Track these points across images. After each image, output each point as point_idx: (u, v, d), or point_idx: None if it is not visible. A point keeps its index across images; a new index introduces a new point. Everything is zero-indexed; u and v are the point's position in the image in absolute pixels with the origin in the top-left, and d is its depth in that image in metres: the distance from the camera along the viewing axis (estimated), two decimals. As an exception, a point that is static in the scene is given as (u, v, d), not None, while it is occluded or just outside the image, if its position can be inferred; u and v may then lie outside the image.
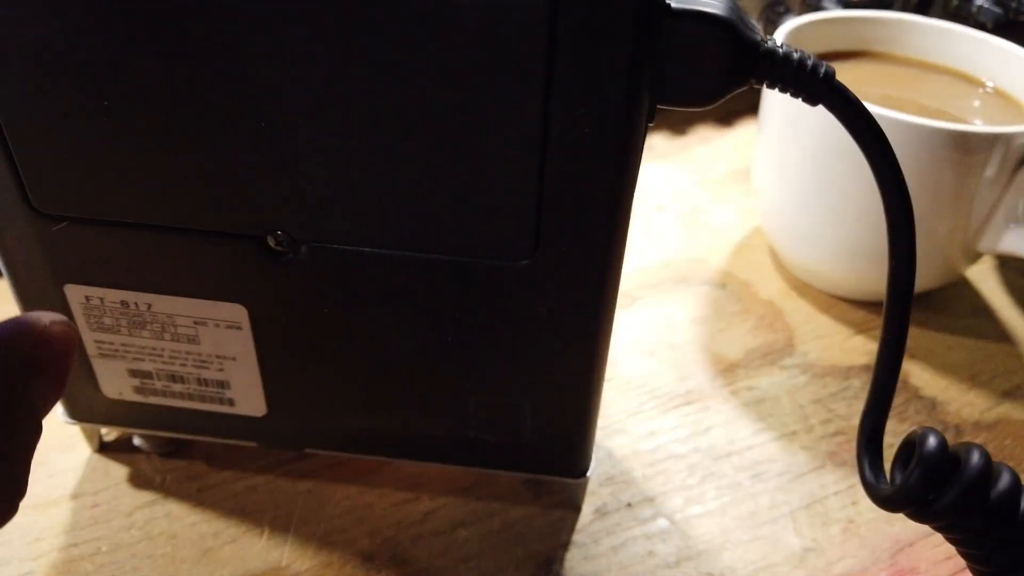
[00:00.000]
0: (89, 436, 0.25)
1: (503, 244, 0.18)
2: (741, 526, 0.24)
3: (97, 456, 0.25)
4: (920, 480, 0.17)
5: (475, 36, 0.15)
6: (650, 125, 0.17)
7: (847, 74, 0.33)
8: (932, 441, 0.18)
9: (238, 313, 0.20)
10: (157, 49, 0.16)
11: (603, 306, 0.19)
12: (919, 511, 0.18)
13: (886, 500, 0.18)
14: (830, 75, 0.16)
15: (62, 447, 0.25)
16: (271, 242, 0.19)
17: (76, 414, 0.24)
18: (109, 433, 0.26)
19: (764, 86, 0.17)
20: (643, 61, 0.15)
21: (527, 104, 0.16)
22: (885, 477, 0.19)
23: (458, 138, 0.16)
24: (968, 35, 0.33)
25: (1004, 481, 0.18)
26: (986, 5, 0.49)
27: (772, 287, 0.34)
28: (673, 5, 0.15)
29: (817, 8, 0.45)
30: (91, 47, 0.16)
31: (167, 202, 0.18)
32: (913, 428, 0.26)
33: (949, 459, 0.18)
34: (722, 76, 0.16)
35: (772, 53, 0.16)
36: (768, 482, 0.26)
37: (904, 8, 0.48)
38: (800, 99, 0.17)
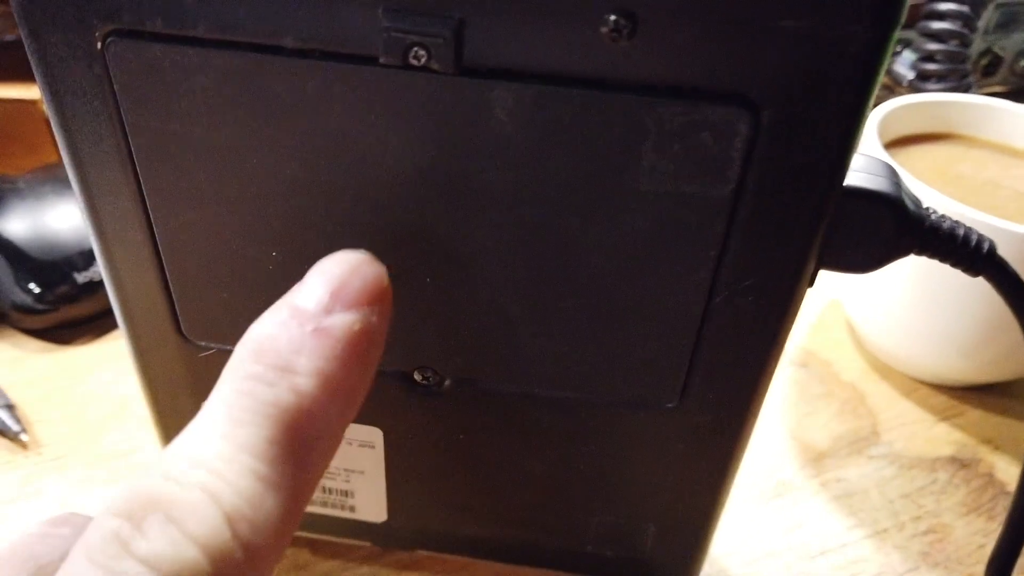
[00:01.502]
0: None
1: (651, 393, 0.18)
2: (841, 632, 0.25)
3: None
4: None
5: (656, 214, 0.15)
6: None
7: (946, 159, 0.33)
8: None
9: (374, 435, 0.21)
10: (329, 210, 0.16)
11: (738, 444, 0.19)
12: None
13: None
14: (993, 251, 0.16)
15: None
16: (417, 376, 0.19)
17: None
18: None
19: (927, 256, 0.17)
20: (814, 239, 0.16)
21: (697, 275, 0.16)
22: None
23: (625, 300, 0.17)
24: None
25: None
26: (1054, 66, 0.49)
27: (854, 368, 0.34)
28: (846, 183, 0.15)
29: (888, 71, 0.45)
30: (270, 199, 0.16)
31: (320, 339, 0.19)
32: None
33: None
34: (886, 248, 0.16)
35: (937, 228, 0.16)
36: (865, 585, 0.26)
37: (974, 71, 0.48)
38: (960, 270, 0.17)
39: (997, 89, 0.50)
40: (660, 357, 0.18)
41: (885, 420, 0.32)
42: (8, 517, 0.26)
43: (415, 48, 0.14)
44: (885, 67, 0.14)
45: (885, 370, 0.34)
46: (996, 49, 0.48)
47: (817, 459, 0.30)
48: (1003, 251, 0.24)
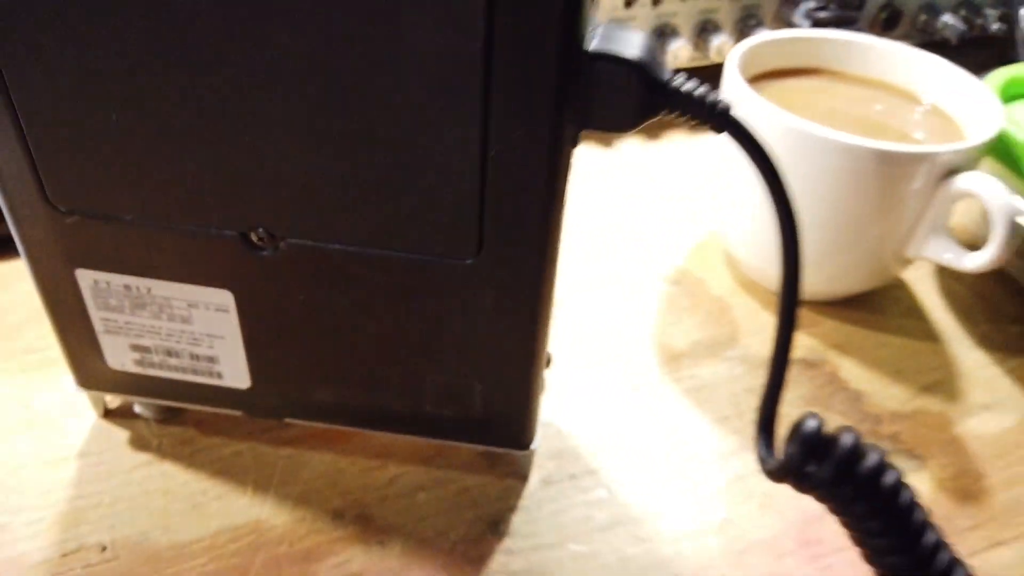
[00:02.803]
0: (95, 403, 0.28)
1: (452, 245, 0.21)
2: (671, 498, 0.27)
3: (102, 421, 0.29)
4: (798, 455, 0.20)
5: (421, 70, 0.18)
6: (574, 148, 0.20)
7: (802, 89, 0.36)
8: (810, 423, 0.21)
9: (225, 298, 0.23)
10: (162, 75, 0.19)
11: (540, 300, 0.22)
12: (799, 482, 0.21)
13: (771, 471, 0.21)
14: (727, 109, 0.19)
15: (72, 412, 0.29)
16: (254, 237, 0.22)
17: (84, 383, 0.27)
18: (112, 400, 0.29)
19: (675, 116, 0.19)
20: (565, 95, 0.18)
21: (468, 130, 0.19)
22: (776, 454, 0.22)
23: (410, 154, 0.19)
24: (908, 53, 0.36)
25: (872, 459, 0.21)
26: (951, 21, 0.51)
27: (723, 285, 0.37)
28: (591, 48, 0.18)
29: (788, 23, 0.48)
30: (107, 70, 0.19)
31: (165, 202, 0.21)
32: (838, 418, 0.29)
33: (825, 439, 0.21)
34: (636, 108, 0.19)
35: (678, 91, 0.19)
36: (697, 461, 0.29)
37: (872, 24, 0.51)
38: (708, 128, 0.19)
39: (900, 42, 0.53)
40: (452, 211, 0.20)
41: (745, 328, 0.34)
42: (-78, 400, 0.29)
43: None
44: None
45: (752, 286, 0.36)
46: (896, 3, 0.51)
47: (674, 359, 0.33)
48: (836, 163, 0.27)
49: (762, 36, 0.36)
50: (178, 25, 0.18)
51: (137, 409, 0.28)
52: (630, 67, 0.18)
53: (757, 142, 0.19)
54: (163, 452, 0.28)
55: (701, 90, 0.19)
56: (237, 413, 0.27)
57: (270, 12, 0.17)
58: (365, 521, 0.26)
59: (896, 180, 0.30)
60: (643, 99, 0.19)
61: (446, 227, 0.20)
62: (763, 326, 0.35)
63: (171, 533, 0.25)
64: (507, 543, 0.26)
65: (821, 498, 0.21)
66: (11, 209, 0.22)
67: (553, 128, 0.19)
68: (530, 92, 0.18)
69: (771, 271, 0.35)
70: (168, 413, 0.29)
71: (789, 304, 0.21)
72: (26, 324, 0.32)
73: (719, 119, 0.19)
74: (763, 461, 0.21)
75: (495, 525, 0.26)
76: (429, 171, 0.19)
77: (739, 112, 0.19)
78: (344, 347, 0.24)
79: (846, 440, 0.20)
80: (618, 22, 0.19)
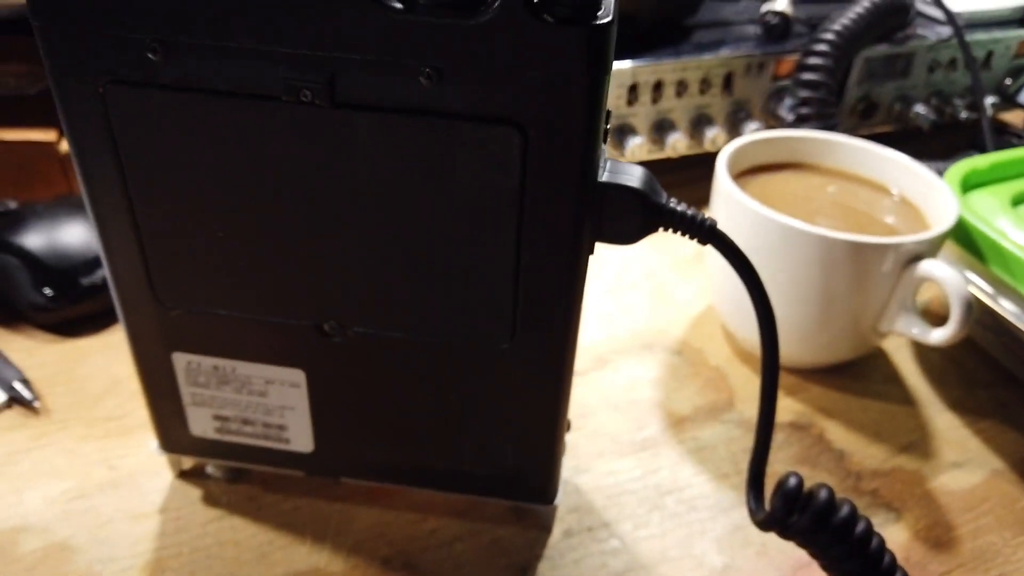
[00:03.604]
0: (173, 465, 0.33)
1: (490, 334, 0.25)
2: (677, 546, 0.31)
3: (177, 481, 0.33)
4: (782, 508, 0.25)
5: (471, 202, 0.23)
6: (591, 255, 0.24)
7: (787, 182, 0.41)
8: (792, 480, 0.25)
9: (298, 376, 0.28)
10: (259, 199, 0.24)
11: (563, 376, 0.26)
12: (783, 530, 0.25)
13: (760, 522, 0.25)
14: (713, 226, 0.24)
15: (151, 473, 0.33)
16: (326, 327, 0.26)
17: (167, 446, 0.31)
18: (187, 463, 0.33)
19: (671, 231, 0.24)
20: (583, 216, 0.23)
21: (506, 244, 0.23)
22: (764, 507, 0.26)
23: (457, 263, 0.24)
24: (878, 151, 0.41)
25: (845, 510, 0.25)
26: (923, 111, 0.57)
27: (721, 355, 0.41)
28: (602, 179, 0.23)
29: (775, 116, 0.53)
30: (214, 193, 0.24)
31: (255, 299, 0.26)
32: (824, 475, 0.33)
33: (805, 494, 0.25)
34: (639, 226, 0.24)
35: (672, 211, 0.24)
36: (701, 513, 0.33)
37: (851, 114, 0.56)
38: (695, 240, 0.24)
39: (879, 130, 0.58)
40: (491, 307, 0.25)
41: (741, 395, 0.39)
42: (21, 462, 0.33)
43: (304, 90, 0.21)
44: (605, 100, 0.21)
45: (746, 356, 0.41)
46: (872, 96, 0.56)
47: (678, 423, 0.37)
48: (814, 253, 0.31)
49: (748, 137, 0.41)
50: (278, 163, 0.23)
51: (209, 470, 0.33)
52: (634, 194, 0.23)
53: (739, 252, 0.24)
54: (232, 508, 0.32)
55: (691, 212, 0.24)
56: (299, 473, 0.31)
57: (351, 154, 0.22)
58: (411, 569, 0.30)
59: (867, 266, 0.35)
60: (644, 218, 0.24)
61: (486, 319, 0.25)
62: (757, 393, 0.39)
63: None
64: (534, 587, 0.30)
65: (803, 544, 0.25)
66: (122, 303, 0.27)
67: (573, 242, 0.23)
68: (556, 215, 0.23)
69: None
70: (236, 473, 0.33)
71: (770, 384, 0.25)
72: (105, 395, 0.37)
73: (706, 234, 0.24)
74: (753, 513, 0.26)
75: (524, 572, 0.30)
76: (473, 277, 0.24)
77: (725, 215, 0.24)
78: (396, 417, 0.29)
79: (822, 495, 0.24)
80: (619, 160, 0.24)
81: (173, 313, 0.27)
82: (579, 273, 0.24)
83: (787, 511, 0.25)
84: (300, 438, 0.30)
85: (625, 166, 0.24)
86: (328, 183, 0.23)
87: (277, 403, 0.29)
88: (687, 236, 0.24)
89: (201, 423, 0.30)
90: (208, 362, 0.28)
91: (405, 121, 0.21)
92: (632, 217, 0.23)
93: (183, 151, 0.23)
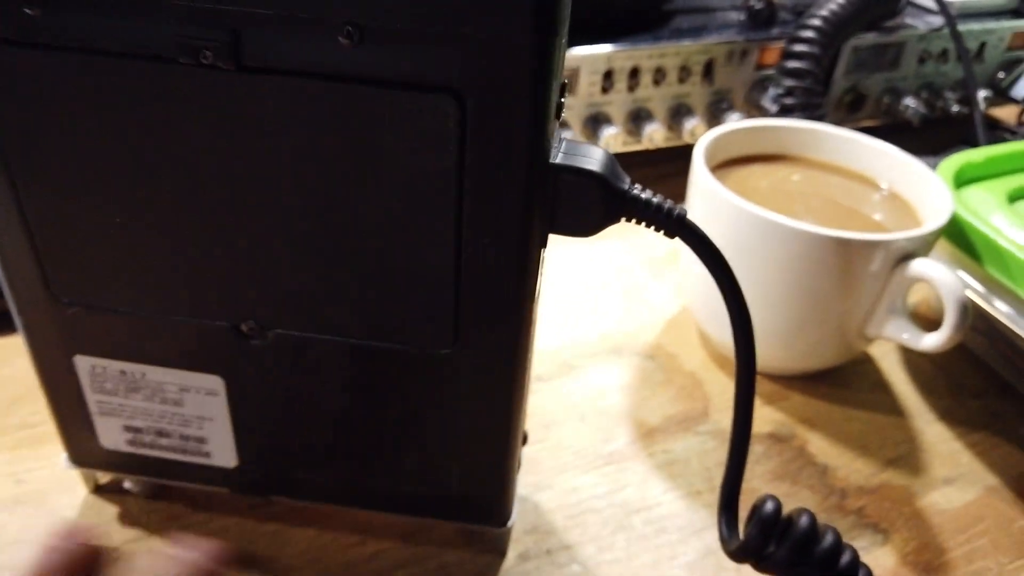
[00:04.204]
0: (86, 479, 0.29)
1: (429, 337, 0.22)
2: (643, 572, 0.28)
3: (93, 496, 0.29)
4: (757, 536, 0.22)
5: (399, 184, 0.19)
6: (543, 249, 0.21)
7: (768, 174, 0.38)
8: (769, 506, 0.22)
9: (216, 383, 0.25)
10: (162, 181, 0.20)
11: (514, 385, 0.23)
12: (759, 563, 0.22)
13: (733, 552, 0.22)
14: (682, 216, 0.21)
15: (63, 489, 0.30)
16: (244, 328, 0.23)
17: (77, 460, 0.28)
18: (103, 477, 0.30)
19: (634, 222, 0.21)
20: (532, 204, 0.20)
21: (444, 236, 0.20)
22: (738, 534, 0.23)
23: (390, 257, 0.21)
24: (866, 142, 0.38)
25: (828, 540, 0.22)
26: (913, 104, 0.54)
27: (696, 360, 0.38)
28: (555, 161, 0.20)
29: (757, 107, 0.50)
30: (110, 176, 0.20)
31: (162, 296, 0.23)
32: (806, 492, 0.30)
33: (783, 521, 0.22)
34: (597, 215, 0.21)
35: (636, 199, 0.21)
36: (671, 535, 0.30)
37: (837, 107, 0.53)
38: (662, 232, 0.21)
39: (866, 123, 0.56)
40: (430, 307, 0.22)
41: (717, 403, 0.36)
42: (-83, 476, 0.30)
43: (204, 51, 0.18)
44: (558, 69, 0.18)
45: (723, 361, 0.38)
46: (860, 88, 0.54)
47: (648, 434, 0.34)
48: (797, 249, 0.28)
49: (728, 126, 0.38)
50: (178, 137, 0.20)
51: (127, 486, 0.29)
52: (592, 178, 0.20)
53: (710, 245, 0.21)
54: (152, 528, 0.29)
55: (657, 199, 0.21)
56: (224, 490, 0.28)
57: (261, 127, 0.19)
58: (346, 598, 0.27)
59: (853, 265, 0.32)
60: (603, 207, 0.20)
61: (424, 321, 0.22)
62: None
63: (156, 610, 0.26)
64: (484, 619, 0.27)
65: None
66: (15, 298, 0.24)
67: (521, 233, 0.20)
68: (499, 202, 0.20)
69: (741, 347, 0.36)
70: (157, 489, 0.30)
71: (746, 392, 0.22)
72: (21, 400, 0.33)
73: (674, 225, 0.21)
74: (724, 541, 0.23)
75: (472, 601, 0.27)
76: (408, 272, 0.21)
77: (702, 209, 0.21)
78: (327, 429, 0.25)
79: (803, 522, 0.22)
80: (578, 140, 0.21)
81: (71, 311, 0.23)
82: (530, 268, 0.21)
83: (763, 540, 0.22)
84: (222, 452, 0.26)
85: (583, 147, 0.21)
86: (236, 162, 0.20)
87: (194, 413, 0.25)
88: (653, 228, 0.21)
89: (111, 435, 0.26)
90: (114, 366, 0.25)
91: (323, 88, 0.18)
92: (591, 205, 0.20)
93: (68, 122, 0.20)
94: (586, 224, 0.21)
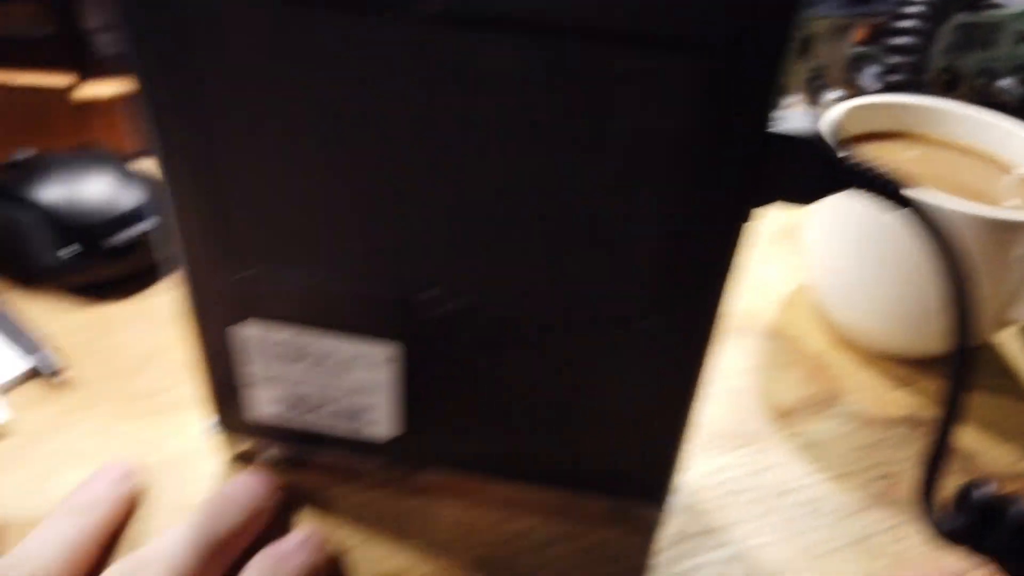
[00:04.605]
0: (227, 447, 0.29)
1: (623, 308, 0.21)
2: (800, 557, 0.28)
3: (232, 465, 0.29)
4: (975, 520, 0.21)
5: (626, 149, 0.18)
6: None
7: (892, 154, 0.37)
8: (985, 489, 0.21)
9: (387, 352, 0.24)
10: (359, 146, 0.19)
11: (701, 361, 0.23)
12: (976, 547, 0.21)
13: (948, 534, 0.21)
14: (907, 189, 0.20)
15: (199, 456, 0.29)
16: (426, 296, 0.22)
17: (228, 426, 0.27)
18: (243, 445, 0.29)
19: (854, 191, 0.20)
20: (758, 171, 0.19)
21: (659, 201, 0.19)
22: (944, 519, 0.22)
23: (597, 223, 0.20)
24: (998, 123, 0.37)
25: (1044, 524, 0.21)
26: (1008, 86, 0.53)
27: (818, 343, 0.37)
28: (775, 131, 0.19)
29: (853, 83, 0.49)
30: (307, 138, 0.19)
31: (344, 261, 0.22)
32: (955, 476, 0.29)
33: (998, 504, 0.21)
34: (818, 183, 0.20)
35: (858, 166, 0.20)
36: (822, 518, 0.29)
37: (935, 85, 0.52)
38: (891, 203, 0.20)
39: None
40: (630, 274, 0.21)
41: (845, 386, 0.35)
42: (50, 441, 0.29)
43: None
44: (795, 30, 0.17)
45: (846, 345, 0.37)
46: (956, 66, 0.52)
47: (783, 416, 0.33)
48: (963, 231, 0.27)
49: (859, 100, 0.37)
50: (386, 95, 0.19)
51: (268, 455, 0.29)
52: (812, 146, 0.19)
53: (934, 221, 0.20)
54: (290, 499, 0.28)
55: (878, 168, 0.20)
56: (374, 462, 0.27)
57: (475, 84, 0.18)
58: (507, 571, 0.26)
59: (1004, 246, 0.31)
60: (823, 176, 0.20)
61: (619, 292, 0.21)
62: (863, 384, 0.35)
63: (313, 584, 0.25)
64: (646, 600, 0.26)
65: (992, 560, 0.21)
66: (190, 261, 0.23)
67: (741, 201, 0.19)
68: (725, 169, 0.19)
69: (870, 329, 0.36)
70: (297, 460, 0.29)
71: (960, 370, 0.21)
72: (140, 368, 0.33)
73: (899, 197, 0.20)
74: (938, 524, 0.22)
75: (633, 581, 0.26)
76: (612, 238, 0.20)
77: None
78: (497, 400, 0.24)
79: (1021, 506, 0.21)
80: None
81: (248, 275, 0.23)
82: (737, 241, 0.20)
83: (981, 524, 0.21)
84: (380, 422, 0.26)
85: (794, 116, 0.20)
86: (444, 122, 0.19)
87: (359, 382, 0.25)
88: (880, 196, 0.20)
89: (268, 402, 0.26)
90: (283, 333, 0.24)
91: (553, 43, 0.17)
92: (812, 173, 0.19)
93: (273, 77, 0.19)
94: (807, 192, 0.20)
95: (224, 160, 0.20)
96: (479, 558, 0.27)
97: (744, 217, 0.19)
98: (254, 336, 0.24)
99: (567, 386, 0.24)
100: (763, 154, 0.18)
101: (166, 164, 0.21)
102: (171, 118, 0.20)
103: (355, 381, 0.25)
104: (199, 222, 0.22)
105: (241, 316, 0.24)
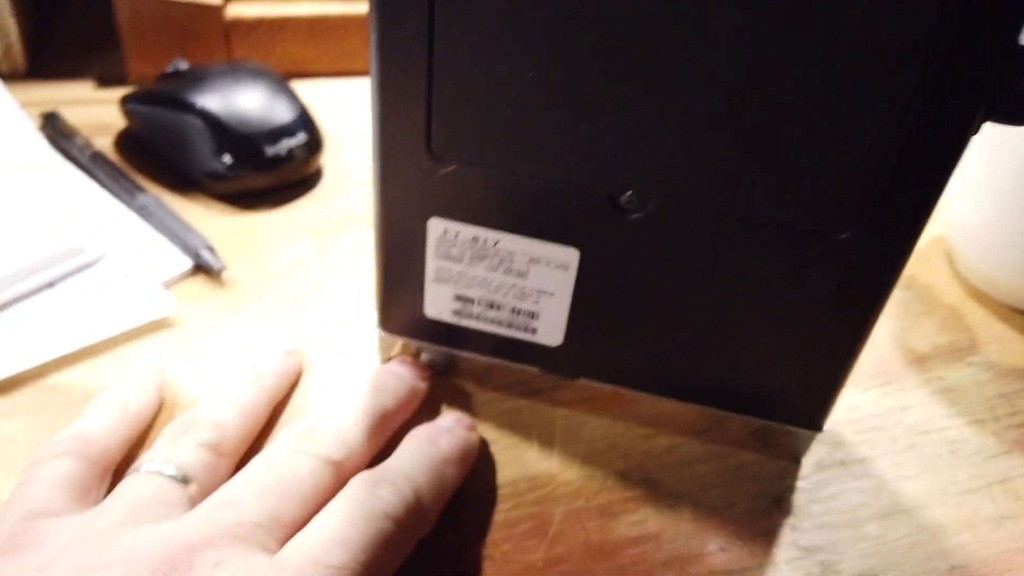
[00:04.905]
0: (385, 349, 0.30)
1: (829, 218, 0.22)
2: (943, 492, 0.28)
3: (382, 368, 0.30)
4: None
5: (863, 49, 0.19)
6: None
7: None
8: None
9: (571, 256, 0.24)
10: (580, 43, 0.20)
11: (890, 281, 0.23)
12: None
13: None
14: None
15: (356, 355, 0.30)
16: (622, 199, 0.23)
17: (389, 327, 0.28)
18: (397, 348, 0.30)
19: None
20: (989, 87, 0.19)
21: (887, 113, 0.19)
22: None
23: (813, 128, 0.20)
24: None
25: None
26: None
27: (952, 293, 0.37)
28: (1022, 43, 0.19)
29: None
30: (528, 31, 0.20)
31: (549, 159, 0.22)
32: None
33: None
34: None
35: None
36: (964, 459, 0.29)
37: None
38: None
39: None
40: (840, 185, 0.21)
41: (982, 336, 0.35)
42: (210, 331, 0.31)
43: None
44: None
45: (982, 297, 0.37)
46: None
47: (919, 361, 0.33)
48: None
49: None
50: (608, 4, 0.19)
51: (423, 358, 0.30)
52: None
53: None
54: (444, 402, 0.29)
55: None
56: (534, 369, 0.28)
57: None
58: (652, 485, 0.27)
59: None
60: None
61: (829, 199, 0.21)
62: (1000, 336, 0.35)
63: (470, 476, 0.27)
64: (792, 520, 0.27)
65: None
66: (384, 154, 0.24)
67: (967, 117, 0.19)
68: (959, 83, 0.19)
69: (1008, 281, 0.35)
70: (448, 364, 0.30)
71: None
72: (289, 273, 0.34)
73: None
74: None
75: (779, 501, 0.27)
76: (828, 144, 0.20)
77: None
78: (661, 316, 0.25)
79: None
80: None
81: (444, 171, 0.23)
82: (958, 156, 0.20)
83: None
84: (549, 330, 0.26)
85: None
86: (662, 18, 0.19)
87: (535, 286, 0.25)
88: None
89: (439, 303, 0.27)
90: (468, 231, 0.25)
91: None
92: (1045, 90, 0.19)
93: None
94: (1032, 111, 0.20)
95: (442, 50, 0.21)
96: (623, 471, 0.28)
97: (976, 130, 0.19)
98: (441, 233, 0.25)
99: (738, 303, 0.24)
100: (1009, 66, 0.18)
101: (379, 53, 0.21)
102: (391, 4, 0.20)
103: (532, 285, 0.25)
104: (401, 116, 0.22)
105: (431, 213, 0.24)
